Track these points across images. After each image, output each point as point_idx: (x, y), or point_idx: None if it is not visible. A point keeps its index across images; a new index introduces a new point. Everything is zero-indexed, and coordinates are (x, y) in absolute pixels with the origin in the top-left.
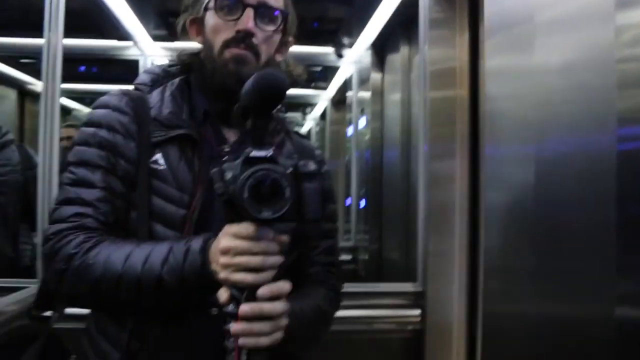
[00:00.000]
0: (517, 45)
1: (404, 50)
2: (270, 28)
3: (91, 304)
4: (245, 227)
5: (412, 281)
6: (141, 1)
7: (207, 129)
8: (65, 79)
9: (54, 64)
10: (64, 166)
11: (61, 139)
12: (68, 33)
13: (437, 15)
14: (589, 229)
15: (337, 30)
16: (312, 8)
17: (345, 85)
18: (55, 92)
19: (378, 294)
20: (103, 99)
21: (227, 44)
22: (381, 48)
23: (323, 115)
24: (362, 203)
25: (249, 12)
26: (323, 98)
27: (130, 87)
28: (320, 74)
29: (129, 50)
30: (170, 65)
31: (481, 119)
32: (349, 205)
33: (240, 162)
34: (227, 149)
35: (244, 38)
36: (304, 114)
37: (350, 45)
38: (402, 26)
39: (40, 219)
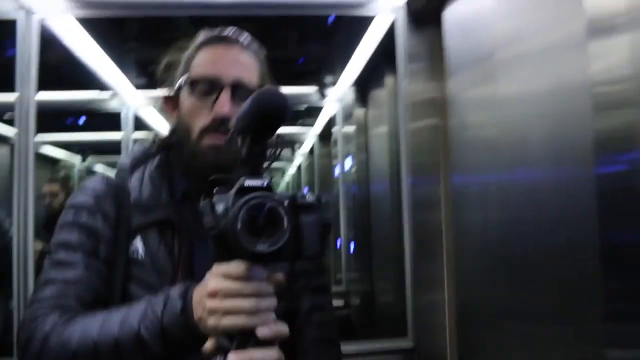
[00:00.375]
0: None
1: (386, 84)
2: None
3: None
4: (236, 266)
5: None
6: (121, 51)
7: (187, 209)
8: (53, 130)
9: (27, 118)
10: (45, 223)
11: (43, 196)
12: (48, 86)
13: (413, 50)
14: (572, 257)
15: (319, 70)
16: (293, 49)
17: (331, 122)
18: (28, 146)
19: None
20: (84, 183)
21: (204, 131)
22: (363, 85)
23: (311, 151)
24: (352, 247)
25: (225, 95)
26: (310, 134)
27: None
28: (305, 112)
29: (111, 101)
30: (149, 145)
31: (449, 149)
32: (339, 248)
33: (234, 192)
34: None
35: (220, 124)
36: (293, 150)
37: (333, 84)
38: (384, 62)
39: (17, 283)
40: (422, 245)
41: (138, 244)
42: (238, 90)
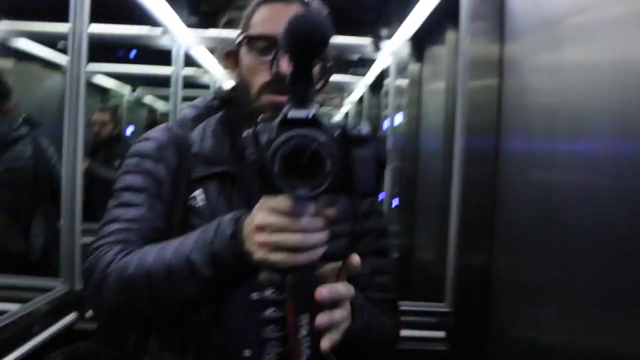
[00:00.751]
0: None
1: (444, 41)
2: None
3: (129, 313)
4: (283, 201)
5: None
6: None
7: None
8: (105, 61)
9: (79, 49)
10: (91, 151)
11: (93, 124)
12: (101, 19)
13: (476, 9)
14: (629, 235)
15: (374, 21)
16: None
17: (383, 74)
18: (80, 75)
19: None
20: (148, 133)
21: (262, 89)
22: (420, 40)
23: (361, 100)
24: (394, 202)
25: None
26: (361, 84)
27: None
28: (357, 62)
29: (162, 38)
30: (213, 99)
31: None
32: (381, 201)
33: (277, 123)
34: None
35: (279, 82)
36: (342, 97)
37: (389, 37)
38: (443, 19)
39: (65, 202)
40: (469, 207)
41: (198, 194)
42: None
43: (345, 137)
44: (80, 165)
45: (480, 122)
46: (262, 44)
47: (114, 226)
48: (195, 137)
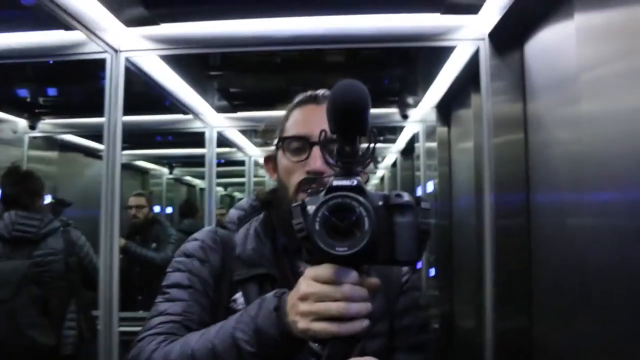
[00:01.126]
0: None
1: (469, 105)
2: None
3: None
4: (326, 269)
5: None
6: (202, 79)
7: (287, 264)
8: (145, 146)
9: (114, 139)
10: (128, 233)
11: (129, 207)
12: (138, 111)
13: (495, 74)
14: None
15: (401, 92)
16: (376, 72)
17: (413, 138)
18: (115, 164)
19: None
20: (197, 234)
21: (299, 187)
22: (446, 105)
23: (394, 164)
24: (432, 271)
25: (316, 151)
26: (393, 149)
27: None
28: (388, 130)
29: (194, 122)
30: (255, 200)
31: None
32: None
33: (323, 193)
34: None
35: (314, 179)
36: (376, 163)
37: (415, 105)
38: (466, 84)
39: (103, 287)
40: (504, 269)
41: (238, 297)
42: (330, 146)
43: (388, 205)
44: (117, 249)
45: (508, 177)
46: (296, 145)
47: (159, 319)
48: (239, 238)
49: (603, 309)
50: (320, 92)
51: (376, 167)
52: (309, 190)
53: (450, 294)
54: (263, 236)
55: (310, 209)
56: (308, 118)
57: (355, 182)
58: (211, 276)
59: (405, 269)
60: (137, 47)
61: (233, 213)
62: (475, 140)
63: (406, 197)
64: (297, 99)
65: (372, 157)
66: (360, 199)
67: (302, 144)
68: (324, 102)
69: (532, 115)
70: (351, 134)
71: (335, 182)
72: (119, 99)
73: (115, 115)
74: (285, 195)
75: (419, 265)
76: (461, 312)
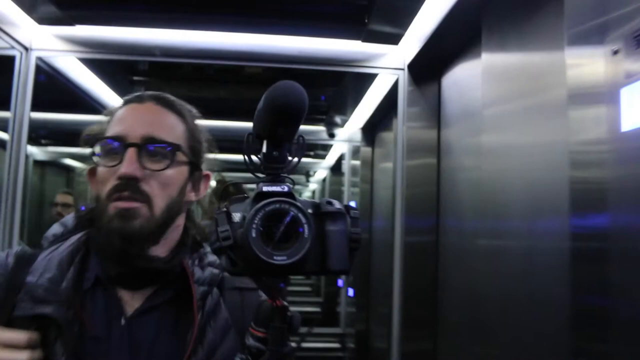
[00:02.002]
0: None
1: (390, 127)
2: (160, 167)
3: None
4: None
5: None
6: (126, 84)
7: (97, 298)
8: (72, 144)
9: (20, 136)
10: None
11: (55, 205)
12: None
13: (413, 97)
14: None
15: (328, 110)
16: (305, 88)
17: (341, 157)
18: (19, 160)
19: None
20: None
21: (109, 196)
22: (370, 126)
23: (324, 179)
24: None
25: (131, 152)
26: (323, 165)
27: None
28: (318, 146)
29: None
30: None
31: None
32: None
33: (251, 199)
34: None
35: (125, 186)
36: (308, 177)
37: (342, 125)
38: (390, 108)
39: None
40: (413, 290)
41: None
42: (150, 147)
43: (318, 213)
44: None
45: (420, 197)
46: (110, 147)
47: None
48: (40, 262)
49: (496, 333)
50: (149, 93)
51: (308, 181)
52: (119, 199)
53: (366, 313)
54: (66, 263)
55: (236, 216)
56: (127, 117)
57: (286, 188)
58: None
59: (262, 296)
60: (50, 47)
61: (53, 228)
62: (394, 161)
63: (337, 204)
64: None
65: (297, 165)
66: (299, 204)
67: (116, 147)
68: (149, 101)
69: (445, 142)
70: (283, 139)
71: (265, 188)
72: (27, 96)
73: (22, 112)
74: (101, 211)
75: (340, 283)
76: (375, 333)
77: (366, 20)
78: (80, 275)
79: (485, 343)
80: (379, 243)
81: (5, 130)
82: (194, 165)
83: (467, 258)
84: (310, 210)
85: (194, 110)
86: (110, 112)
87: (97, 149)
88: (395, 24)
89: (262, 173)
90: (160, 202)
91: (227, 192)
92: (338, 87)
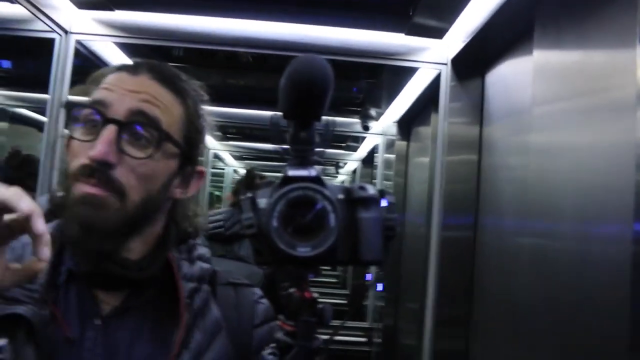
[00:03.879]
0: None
1: (429, 122)
2: (140, 154)
3: None
4: None
5: None
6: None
7: (70, 294)
8: None
9: (57, 117)
10: None
11: None
12: None
13: (456, 93)
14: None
15: (363, 104)
16: (341, 79)
17: (374, 149)
18: (57, 142)
19: None
20: None
21: (75, 175)
22: (407, 121)
23: (354, 171)
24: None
25: (109, 130)
26: (354, 158)
27: None
28: (350, 138)
29: None
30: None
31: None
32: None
33: (276, 185)
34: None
35: (94, 171)
36: (337, 168)
37: (377, 118)
38: (428, 102)
39: None
40: (448, 288)
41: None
42: (136, 127)
43: (350, 199)
44: None
45: (458, 194)
46: (87, 115)
47: None
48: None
49: (534, 336)
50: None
51: (338, 172)
52: (86, 183)
53: (395, 309)
54: None
55: (261, 202)
56: (114, 87)
57: (313, 173)
58: None
59: (257, 294)
60: (89, 30)
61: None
62: (432, 157)
63: (370, 190)
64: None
65: (328, 145)
66: (325, 191)
67: (94, 118)
68: (144, 73)
69: (487, 139)
70: (309, 118)
71: (291, 172)
72: (65, 78)
73: (60, 94)
74: (66, 189)
75: (369, 277)
76: (404, 329)
77: (411, 13)
78: (56, 269)
79: (525, 347)
80: (411, 238)
81: (42, 112)
82: (187, 158)
83: (507, 258)
84: (341, 196)
85: (201, 91)
86: (101, 76)
87: (76, 112)
88: (441, 18)
89: (290, 156)
90: (135, 196)
91: (253, 183)
92: (375, 79)
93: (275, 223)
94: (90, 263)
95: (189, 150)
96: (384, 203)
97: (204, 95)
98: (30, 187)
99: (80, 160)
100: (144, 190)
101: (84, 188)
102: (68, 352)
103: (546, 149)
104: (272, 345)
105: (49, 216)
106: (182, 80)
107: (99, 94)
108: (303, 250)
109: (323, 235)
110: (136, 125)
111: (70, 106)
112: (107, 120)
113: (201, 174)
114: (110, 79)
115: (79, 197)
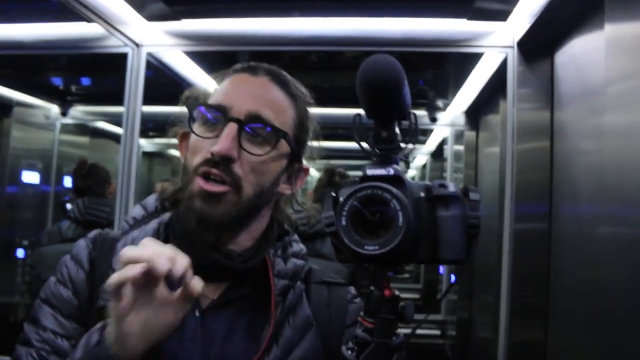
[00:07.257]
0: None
1: (498, 110)
2: (258, 152)
3: None
4: None
5: None
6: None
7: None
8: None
9: (132, 130)
10: None
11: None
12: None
13: (524, 77)
14: None
15: (430, 94)
16: (406, 72)
17: (443, 141)
18: (132, 153)
19: None
20: (80, 240)
21: (197, 169)
22: (475, 110)
23: (424, 166)
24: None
25: (230, 129)
26: (423, 151)
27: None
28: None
29: None
30: (157, 199)
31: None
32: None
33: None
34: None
35: (217, 164)
36: (407, 163)
37: (444, 109)
38: (496, 90)
39: None
40: (523, 278)
41: (94, 332)
42: (254, 126)
43: (430, 197)
44: None
45: (531, 183)
46: (210, 114)
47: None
48: (121, 247)
49: (620, 326)
50: (265, 65)
51: (408, 167)
52: (207, 178)
53: (469, 301)
54: None
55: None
56: (235, 88)
57: (392, 172)
58: (73, 300)
59: (352, 293)
60: (159, 42)
61: (133, 210)
62: (502, 146)
63: (451, 187)
64: (234, 67)
65: (414, 141)
66: (394, 190)
67: (217, 117)
68: (263, 75)
69: (558, 124)
70: (388, 117)
71: (370, 171)
72: (138, 91)
73: (135, 107)
74: (186, 182)
75: (441, 270)
76: (479, 321)
77: None
78: None
79: (608, 335)
80: (484, 230)
81: (119, 124)
82: (295, 156)
83: (585, 246)
84: (422, 194)
85: (308, 95)
86: (220, 76)
87: (196, 113)
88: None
89: (373, 156)
90: (249, 189)
91: (333, 181)
92: (440, 69)
93: (343, 222)
94: (202, 254)
95: (298, 149)
96: (469, 199)
97: (311, 97)
98: (97, 193)
99: (200, 155)
100: (258, 184)
101: (204, 186)
102: (170, 339)
103: (623, 130)
104: (352, 340)
105: (156, 213)
106: (295, 83)
107: (220, 97)
108: (371, 249)
109: (391, 234)
110: (253, 125)
111: (193, 104)
112: (229, 119)
113: (306, 172)
114: (231, 81)
115: (200, 193)
